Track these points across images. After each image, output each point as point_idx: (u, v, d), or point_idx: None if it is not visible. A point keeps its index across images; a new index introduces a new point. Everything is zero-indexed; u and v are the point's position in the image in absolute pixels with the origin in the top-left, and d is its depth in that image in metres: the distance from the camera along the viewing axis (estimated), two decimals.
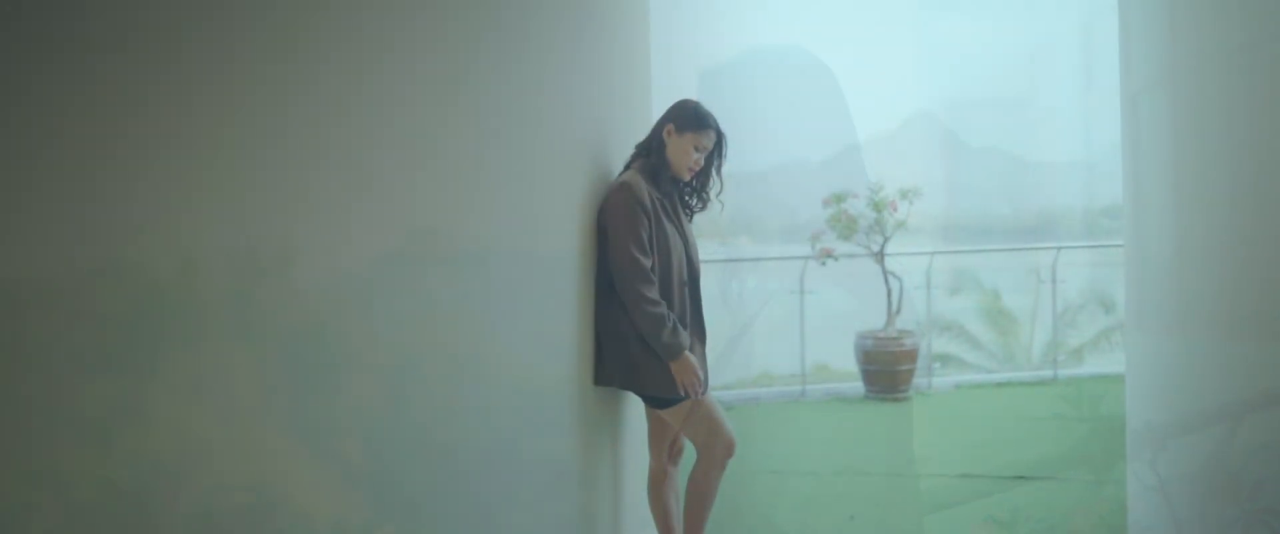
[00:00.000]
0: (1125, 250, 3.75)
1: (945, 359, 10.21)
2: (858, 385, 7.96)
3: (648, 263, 3.06)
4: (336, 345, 1.59)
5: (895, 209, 7.55)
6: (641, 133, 3.46)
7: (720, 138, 3.29)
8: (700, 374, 3.12)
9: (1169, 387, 3.38)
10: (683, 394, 3.11)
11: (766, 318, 9.31)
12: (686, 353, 3.07)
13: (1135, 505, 3.75)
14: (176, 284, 1.22)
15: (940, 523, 4.64)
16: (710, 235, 3.37)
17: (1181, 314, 3.29)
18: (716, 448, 3.30)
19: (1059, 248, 8.96)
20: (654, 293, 3.05)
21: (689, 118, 3.23)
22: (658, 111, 3.41)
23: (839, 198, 7.65)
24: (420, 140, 1.90)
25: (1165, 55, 3.37)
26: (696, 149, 3.23)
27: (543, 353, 2.69)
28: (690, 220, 3.41)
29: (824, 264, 7.81)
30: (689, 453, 3.52)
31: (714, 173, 3.36)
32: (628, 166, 3.30)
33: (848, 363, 8.89)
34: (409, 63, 1.86)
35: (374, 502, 1.71)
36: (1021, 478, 5.32)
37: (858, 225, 7.62)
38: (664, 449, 3.45)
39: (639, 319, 3.04)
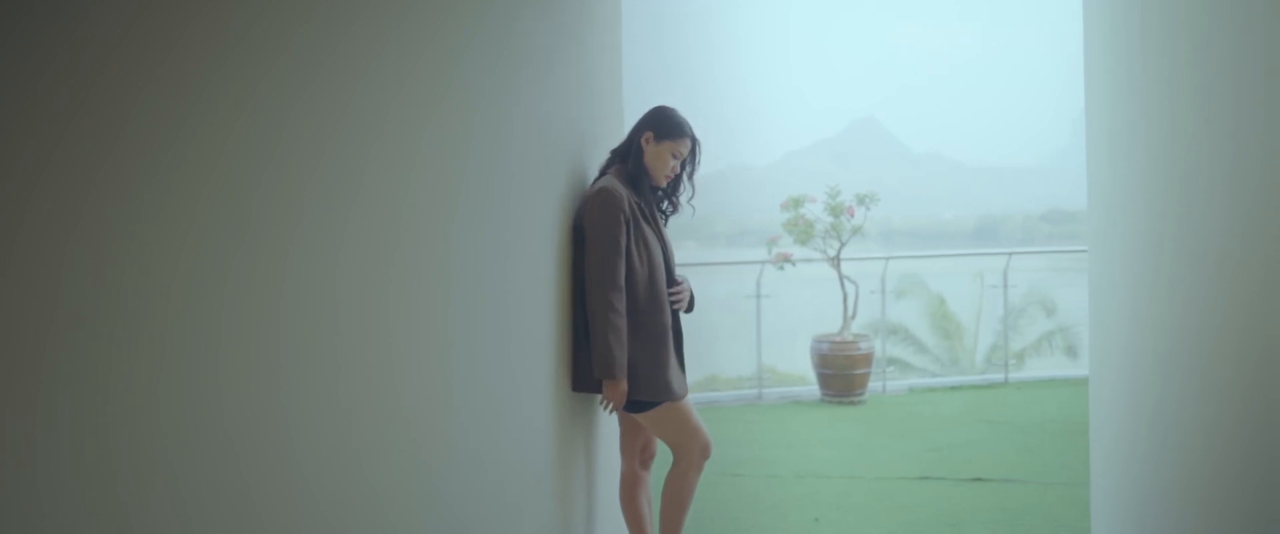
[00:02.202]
0: (1090, 253, 3.79)
1: (896, 362, 10.34)
2: (811, 389, 8.01)
3: (622, 272, 3.06)
4: (327, 349, 1.59)
5: (852, 214, 7.59)
6: (613, 135, 3.44)
7: (695, 144, 3.32)
8: (623, 400, 3.12)
9: (1133, 390, 3.43)
10: (605, 408, 3.14)
11: (718, 322, 9.34)
12: (624, 379, 3.08)
13: (1099, 509, 3.81)
14: (174, 286, 1.19)
15: (903, 525, 4.68)
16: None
17: (1146, 317, 3.34)
18: (693, 449, 3.31)
19: (1011, 253, 9.10)
20: (621, 304, 3.06)
21: (667, 126, 3.25)
22: (629, 111, 3.40)
23: (796, 202, 7.65)
24: (410, 144, 1.90)
25: (1132, 54, 3.42)
26: (674, 156, 3.26)
27: (522, 359, 2.67)
28: (665, 225, 3.41)
29: (781, 269, 7.83)
30: (661, 457, 3.51)
31: (686, 178, 3.38)
32: (603, 171, 3.30)
33: (796, 366, 8.95)
34: (398, 67, 1.86)
35: (358, 504, 1.70)
36: (979, 480, 5.39)
37: (814, 230, 7.65)
38: (635, 453, 3.45)
39: (599, 324, 3.04)
